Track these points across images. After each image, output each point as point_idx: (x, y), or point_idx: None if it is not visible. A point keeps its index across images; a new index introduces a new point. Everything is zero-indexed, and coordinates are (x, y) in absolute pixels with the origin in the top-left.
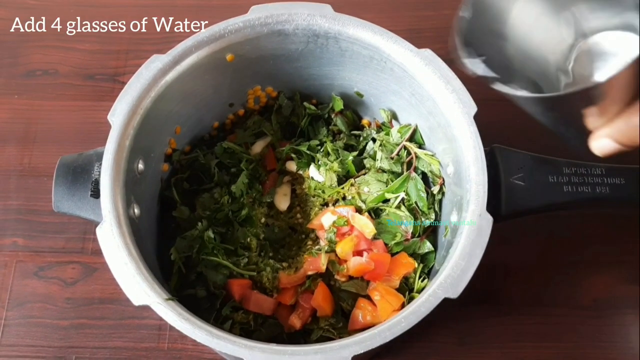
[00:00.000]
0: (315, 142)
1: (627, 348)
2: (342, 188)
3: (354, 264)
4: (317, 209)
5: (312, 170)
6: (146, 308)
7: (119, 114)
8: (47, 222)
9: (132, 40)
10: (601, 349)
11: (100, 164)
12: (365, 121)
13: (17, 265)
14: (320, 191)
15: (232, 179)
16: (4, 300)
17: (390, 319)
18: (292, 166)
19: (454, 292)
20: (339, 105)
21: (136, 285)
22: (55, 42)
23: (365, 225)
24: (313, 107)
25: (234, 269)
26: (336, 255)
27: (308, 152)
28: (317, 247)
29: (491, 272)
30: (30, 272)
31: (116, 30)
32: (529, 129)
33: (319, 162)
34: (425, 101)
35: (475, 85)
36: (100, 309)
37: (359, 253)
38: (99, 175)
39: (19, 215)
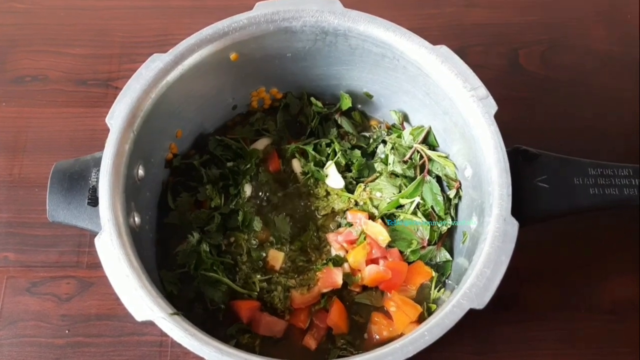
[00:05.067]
0: (325, 140)
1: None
2: (353, 193)
3: (370, 272)
4: (325, 219)
5: (332, 172)
6: (146, 323)
7: (118, 116)
8: (39, 235)
9: (125, 44)
10: (621, 354)
11: (98, 170)
12: (373, 122)
13: (8, 281)
14: (333, 197)
15: (225, 174)
16: None
17: (412, 333)
18: (296, 166)
19: (480, 303)
20: (347, 103)
21: (139, 299)
22: (44, 46)
23: (379, 232)
24: (320, 105)
25: (235, 288)
26: (349, 265)
27: (314, 152)
28: (326, 258)
29: (505, 278)
30: (23, 288)
31: (108, 33)
32: (551, 129)
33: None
34: (441, 100)
35: (494, 84)
36: (97, 326)
37: (372, 262)
38: (97, 182)
39: (10, 229)
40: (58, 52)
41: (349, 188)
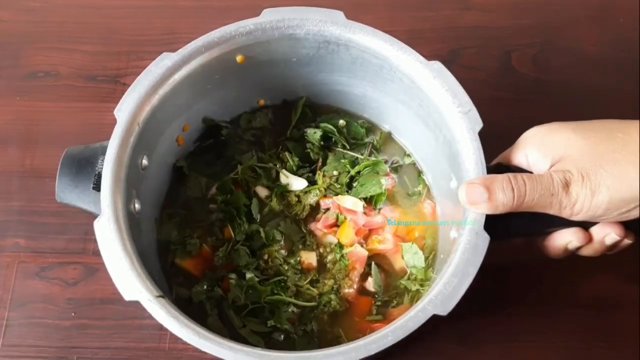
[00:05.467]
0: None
1: (628, 347)
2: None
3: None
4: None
5: (289, 178)
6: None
7: (125, 109)
8: (49, 223)
9: (134, 42)
10: (601, 348)
11: (104, 158)
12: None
13: (19, 266)
14: (304, 197)
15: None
16: (6, 301)
17: (377, 332)
18: (261, 191)
19: (444, 310)
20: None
21: (128, 280)
22: (57, 43)
23: (348, 200)
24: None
25: (300, 304)
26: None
27: (259, 165)
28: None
29: (490, 271)
30: (32, 273)
31: (118, 31)
32: None
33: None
34: (432, 113)
35: (486, 85)
36: (101, 309)
37: (371, 232)
38: (102, 168)
39: (21, 217)
40: (70, 49)
41: (314, 180)
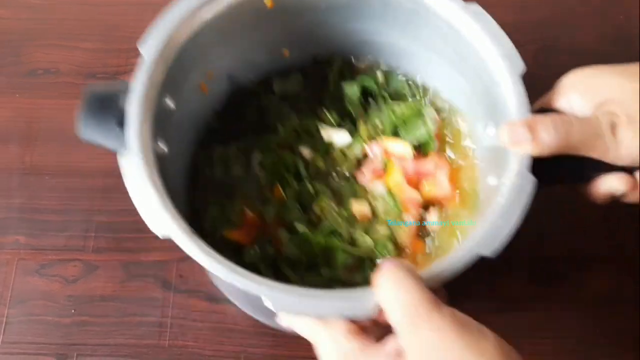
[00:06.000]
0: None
1: (627, 344)
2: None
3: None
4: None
5: (331, 133)
6: (146, 305)
7: (151, 45)
8: (49, 221)
9: (134, 39)
10: (600, 345)
11: (126, 95)
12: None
13: (19, 263)
14: (350, 151)
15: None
16: (6, 298)
17: (424, 272)
18: (306, 152)
19: (491, 250)
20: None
21: (159, 215)
22: (57, 40)
23: (396, 143)
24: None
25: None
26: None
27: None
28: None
29: (487, 267)
30: (32, 270)
31: (117, 28)
32: None
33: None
34: (470, 59)
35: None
36: (101, 307)
37: (420, 176)
38: (126, 104)
39: (21, 214)
40: (70, 46)
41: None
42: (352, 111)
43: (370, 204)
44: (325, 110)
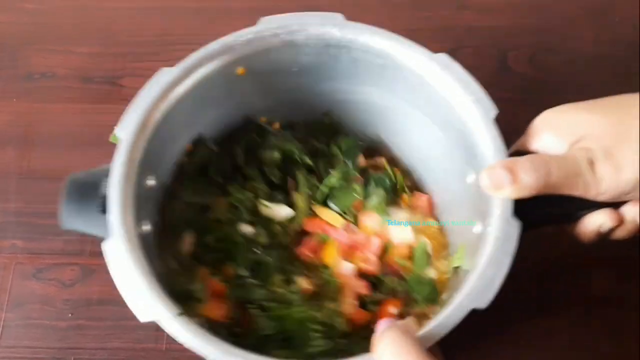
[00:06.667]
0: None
1: (627, 347)
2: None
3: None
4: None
5: (273, 208)
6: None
7: (127, 127)
8: (46, 225)
9: (131, 43)
10: (601, 347)
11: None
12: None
13: (16, 267)
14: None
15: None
16: (3, 302)
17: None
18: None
19: (483, 302)
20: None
21: (145, 301)
22: (54, 45)
23: (332, 216)
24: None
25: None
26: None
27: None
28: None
29: None
30: (29, 274)
31: (115, 32)
32: None
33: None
34: (442, 108)
35: (483, 85)
36: (98, 310)
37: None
38: (107, 190)
39: (18, 218)
40: (67, 51)
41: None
42: (274, 180)
43: (311, 279)
44: (254, 183)
